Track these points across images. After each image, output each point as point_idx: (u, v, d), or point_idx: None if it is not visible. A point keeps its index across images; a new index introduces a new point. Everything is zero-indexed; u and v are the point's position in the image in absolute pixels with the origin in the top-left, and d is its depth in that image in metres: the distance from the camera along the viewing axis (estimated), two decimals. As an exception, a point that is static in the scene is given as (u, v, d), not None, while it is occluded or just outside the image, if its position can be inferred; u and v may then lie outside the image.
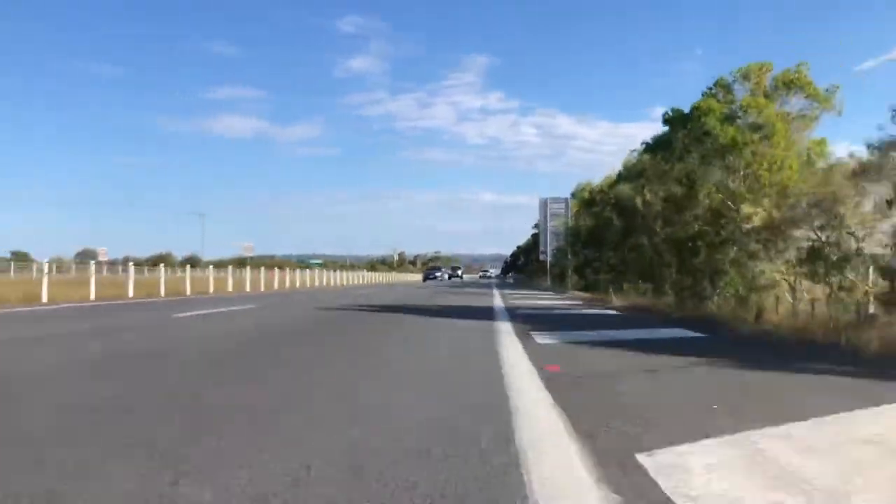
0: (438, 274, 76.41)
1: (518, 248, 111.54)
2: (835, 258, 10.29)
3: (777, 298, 12.63)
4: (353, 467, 2.61)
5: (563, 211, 47.21)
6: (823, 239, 10.71)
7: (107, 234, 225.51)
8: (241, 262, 49.12)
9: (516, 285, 50.28)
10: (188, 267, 30.02)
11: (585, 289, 31.44)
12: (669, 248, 18.66)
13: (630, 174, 26.17)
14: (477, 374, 5.30)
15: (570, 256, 40.39)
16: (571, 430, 3.25)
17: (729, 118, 16.34)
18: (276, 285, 36.66)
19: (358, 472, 2.54)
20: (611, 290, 21.05)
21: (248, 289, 30.56)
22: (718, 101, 16.70)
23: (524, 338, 7.93)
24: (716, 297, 15.76)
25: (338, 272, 55.61)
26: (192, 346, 7.45)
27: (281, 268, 44.37)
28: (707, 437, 3.10)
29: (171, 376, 5.15)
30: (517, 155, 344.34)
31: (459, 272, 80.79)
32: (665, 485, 2.41)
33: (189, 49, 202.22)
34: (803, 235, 11.66)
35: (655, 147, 20.85)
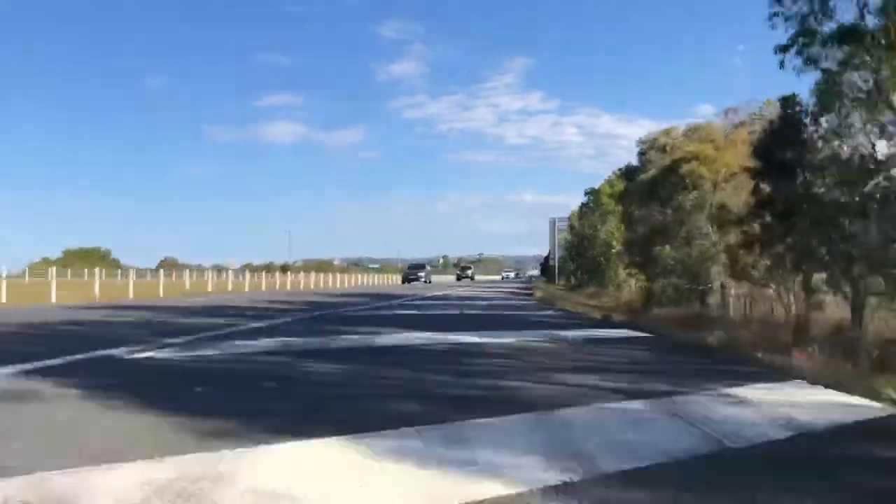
0: (422, 274, 60.93)
1: (549, 252, 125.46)
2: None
3: (629, 289, 27.01)
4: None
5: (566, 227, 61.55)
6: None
7: (177, 242, 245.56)
8: (319, 268, 65.43)
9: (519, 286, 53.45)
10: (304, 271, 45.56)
11: (573, 288, 45.67)
12: (589, 263, 33.08)
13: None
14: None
15: (568, 262, 54.82)
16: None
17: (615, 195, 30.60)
18: (356, 283, 52.28)
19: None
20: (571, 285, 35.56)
21: (345, 286, 46.03)
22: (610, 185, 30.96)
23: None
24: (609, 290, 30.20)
25: (387, 275, 71.71)
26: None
27: (343, 272, 60.48)
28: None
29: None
30: (559, 155, 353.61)
31: (421, 274, 60.46)
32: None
33: (235, 58, 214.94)
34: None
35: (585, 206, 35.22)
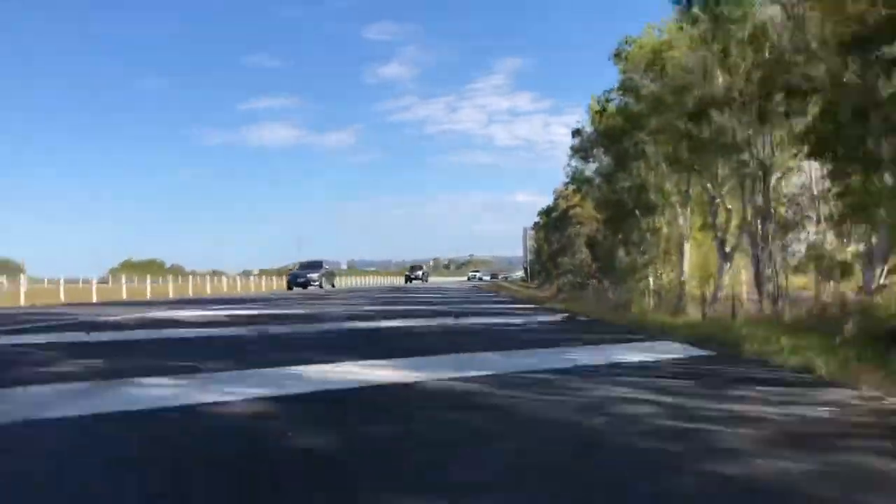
0: (420, 273, 72.62)
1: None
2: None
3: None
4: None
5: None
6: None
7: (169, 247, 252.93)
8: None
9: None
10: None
11: (539, 286, 56.54)
12: (542, 266, 44.01)
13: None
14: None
15: (535, 265, 65.84)
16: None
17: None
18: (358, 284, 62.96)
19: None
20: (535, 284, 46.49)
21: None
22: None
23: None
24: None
25: (381, 277, 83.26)
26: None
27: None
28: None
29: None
30: (550, 155, 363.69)
31: (419, 273, 74.65)
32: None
33: (225, 61, 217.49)
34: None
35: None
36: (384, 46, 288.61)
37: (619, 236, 17.62)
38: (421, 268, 77.98)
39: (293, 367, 5.56)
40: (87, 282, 32.41)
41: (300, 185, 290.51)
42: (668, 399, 4.10)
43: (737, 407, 3.87)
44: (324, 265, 44.28)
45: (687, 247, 15.18)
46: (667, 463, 2.78)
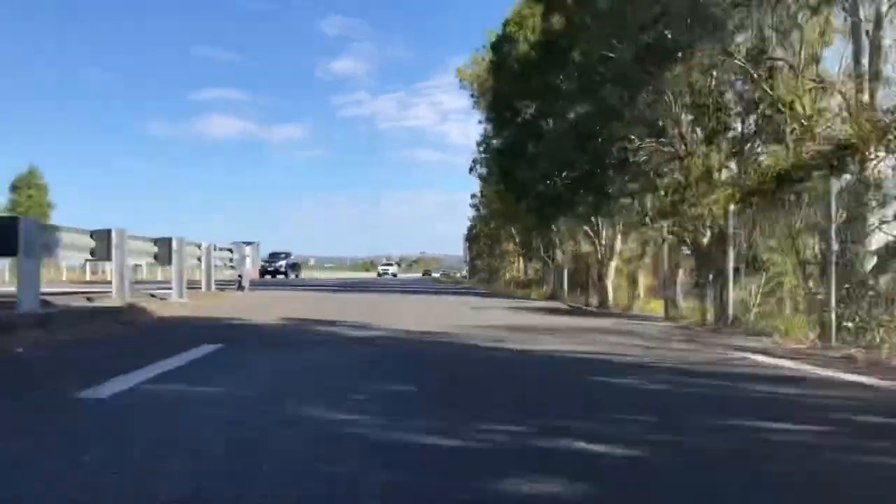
0: (391, 269, 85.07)
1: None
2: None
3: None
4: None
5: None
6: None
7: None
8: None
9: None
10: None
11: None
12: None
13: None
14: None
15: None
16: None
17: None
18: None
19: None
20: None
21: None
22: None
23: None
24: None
25: (347, 272, 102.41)
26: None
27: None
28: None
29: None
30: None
31: (391, 269, 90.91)
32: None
33: (175, 53, 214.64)
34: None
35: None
36: (337, 41, 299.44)
37: (495, 252, 38.71)
38: (391, 264, 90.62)
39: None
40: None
41: (250, 178, 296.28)
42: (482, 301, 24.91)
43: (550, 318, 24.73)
44: (291, 256, 47.53)
45: (521, 260, 36.33)
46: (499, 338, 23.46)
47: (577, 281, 21.38)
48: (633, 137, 14.87)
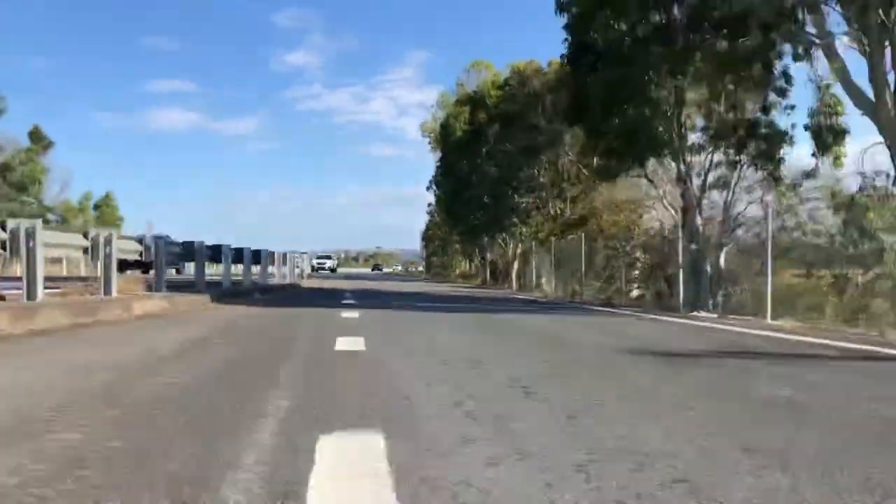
0: (328, 264, 64.46)
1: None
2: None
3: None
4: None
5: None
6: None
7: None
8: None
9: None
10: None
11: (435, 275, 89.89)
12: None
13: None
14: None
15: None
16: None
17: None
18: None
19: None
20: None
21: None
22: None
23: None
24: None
25: None
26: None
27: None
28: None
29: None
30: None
31: (328, 264, 64.21)
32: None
33: (122, 42, 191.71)
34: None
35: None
36: (291, 33, 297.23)
37: (447, 252, 50.85)
38: (329, 257, 70.61)
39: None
40: None
41: (201, 171, 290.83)
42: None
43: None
44: (332, 259, 60.97)
45: (465, 260, 48.57)
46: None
47: (497, 274, 33.67)
48: (517, 196, 27.30)
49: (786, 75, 11.89)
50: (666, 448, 2.17)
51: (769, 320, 9.20)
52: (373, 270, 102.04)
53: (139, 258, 10.49)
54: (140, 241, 10.56)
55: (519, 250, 30.21)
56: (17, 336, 5.77)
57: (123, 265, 10.18)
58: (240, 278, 17.52)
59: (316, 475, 1.85)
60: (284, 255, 21.25)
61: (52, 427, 2.45)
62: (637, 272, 16.33)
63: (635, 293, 15.66)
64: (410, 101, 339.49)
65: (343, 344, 5.36)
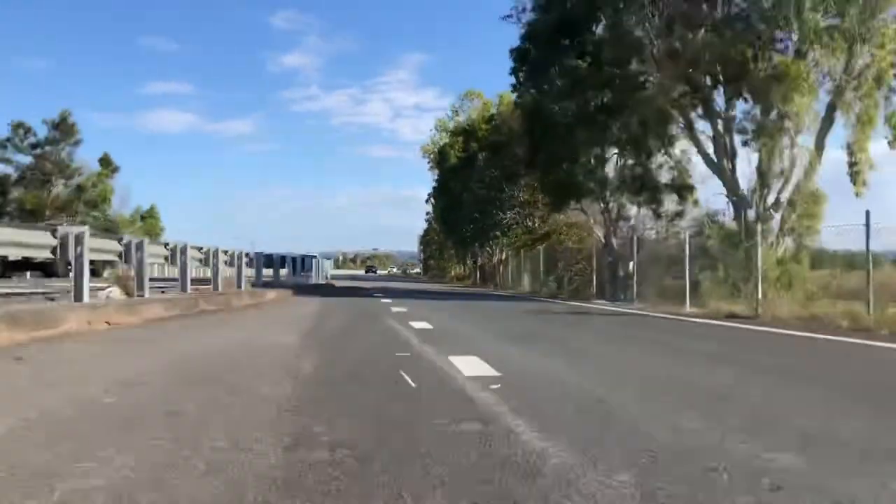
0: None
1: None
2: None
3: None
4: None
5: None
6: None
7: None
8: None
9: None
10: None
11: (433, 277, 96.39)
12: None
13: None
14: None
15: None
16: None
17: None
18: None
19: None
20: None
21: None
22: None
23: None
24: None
25: None
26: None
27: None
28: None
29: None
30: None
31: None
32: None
33: (120, 42, 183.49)
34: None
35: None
36: (288, 35, 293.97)
37: (444, 256, 57.42)
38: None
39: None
40: None
41: (198, 171, 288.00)
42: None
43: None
44: (375, 266, 77.87)
45: (460, 263, 55.24)
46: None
47: (485, 276, 40.30)
48: (500, 213, 34.02)
49: (668, 151, 18.45)
50: (542, 332, 8.78)
51: (637, 303, 15.78)
52: (366, 273, 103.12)
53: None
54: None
55: (503, 256, 36.85)
56: (205, 313, 12.36)
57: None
58: (284, 279, 24.02)
59: (459, 366, 8.46)
60: (319, 261, 27.96)
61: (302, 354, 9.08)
62: (577, 275, 22.93)
63: (575, 289, 22.25)
64: (406, 104, 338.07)
65: (395, 307, 11.94)
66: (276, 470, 2.12)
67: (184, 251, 12.11)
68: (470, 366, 4.56)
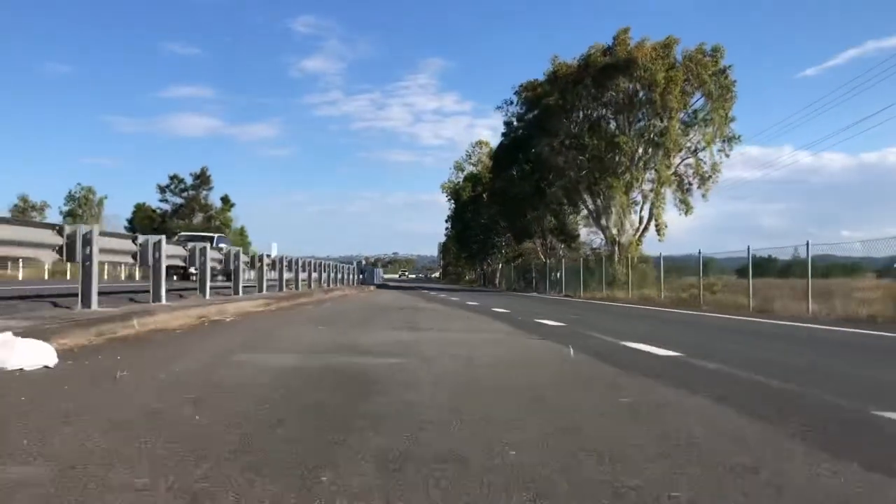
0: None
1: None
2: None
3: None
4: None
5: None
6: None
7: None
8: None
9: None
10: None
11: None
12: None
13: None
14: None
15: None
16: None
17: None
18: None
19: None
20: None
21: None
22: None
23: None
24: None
25: None
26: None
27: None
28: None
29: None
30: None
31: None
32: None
33: (143, 48, 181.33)
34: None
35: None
36: (309, 40, 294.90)
37: (459, 262, 74.67)
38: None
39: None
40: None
41: (218, 175, 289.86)
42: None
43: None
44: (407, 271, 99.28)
45: (473, 269, 72.51)
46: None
47: (487, 279, 57.56)
48: (496, 237, 51.60)
49: (574, 213, 35.55)
50: (489, 303, 26.03)
51: (556, 293, 32.80)
52: (399, 277, 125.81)
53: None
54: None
55: (498, 266, 53.95)
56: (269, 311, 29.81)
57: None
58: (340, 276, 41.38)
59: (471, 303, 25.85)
60: (377, 269, 45.15)
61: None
62: (532, 278, 40.10)
63: (530, 285, 39.33)
64: (426, 108, 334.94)
65: (441, 293, 29.18)
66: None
67: (288, 262, 29.67)
68: (476, 304, 21.75)
